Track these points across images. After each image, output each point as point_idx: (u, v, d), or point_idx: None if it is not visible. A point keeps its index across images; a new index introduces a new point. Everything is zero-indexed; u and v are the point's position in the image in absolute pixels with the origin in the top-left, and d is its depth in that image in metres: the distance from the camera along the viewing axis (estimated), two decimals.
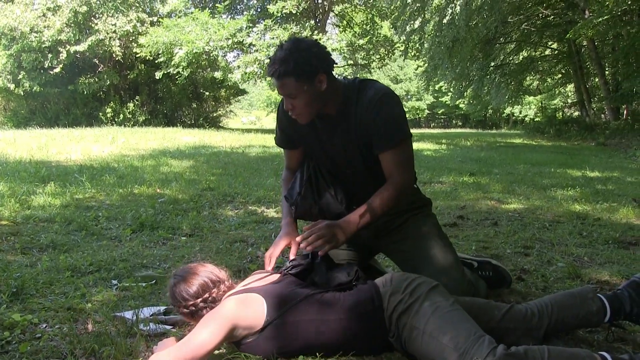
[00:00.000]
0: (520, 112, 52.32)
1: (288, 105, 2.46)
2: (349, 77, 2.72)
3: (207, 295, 2.25)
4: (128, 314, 2.55)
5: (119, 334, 2.37)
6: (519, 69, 31.54)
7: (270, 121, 64.26)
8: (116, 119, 27.34)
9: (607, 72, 26.23)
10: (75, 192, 6.02)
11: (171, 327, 2.50)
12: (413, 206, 2.77)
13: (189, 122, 30.24)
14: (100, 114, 27.52)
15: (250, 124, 62.25)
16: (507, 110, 52.51)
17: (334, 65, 2.48)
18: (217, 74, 23.55)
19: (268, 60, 2.44)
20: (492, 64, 30.62)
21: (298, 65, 2.32)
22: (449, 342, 1.95)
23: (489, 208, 5.81)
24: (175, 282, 2.29)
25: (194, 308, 2.24)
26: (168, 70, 22.75)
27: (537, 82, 37.88)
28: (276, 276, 2.32)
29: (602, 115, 28.04)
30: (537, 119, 44.30)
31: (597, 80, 27.63)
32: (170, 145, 13.93)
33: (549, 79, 36.62)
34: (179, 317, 2.51)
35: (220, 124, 32.63)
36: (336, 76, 2.53)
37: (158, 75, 23.44)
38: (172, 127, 25.32)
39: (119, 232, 4.41)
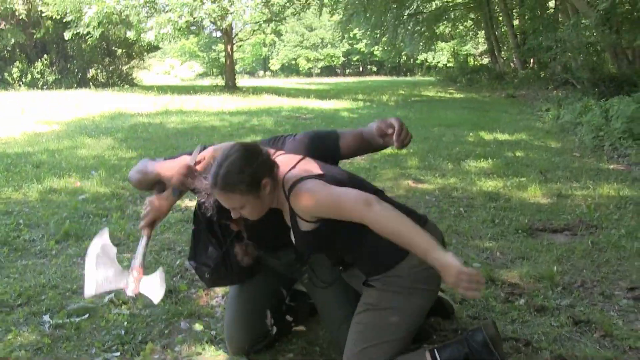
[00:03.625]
0: (433, 58, 53.36)
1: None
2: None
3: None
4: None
5: None
6: (432, 17, 32.04)
7: (184, 71, 62.63)
8: (24, 80, 26.05)
9: (515, 24, 27.03)
10: None
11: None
12: None
13: (101, 80, 29.11)
14: (6, 74, 26.14)
15: (165, 73, 60.56)
16: (421, 57, 53.46)
17: None
18: (130, 34, 22.69)
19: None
20: (406, 12, 30.94)
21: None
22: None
23: (407, 190, 6.04)
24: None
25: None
26: (77, 31, 21.66)
27: (449, 29, 38.57)
28: None
29: (511, 64, 29.02)
30: (449, 65, 45.41)
31: (505, 29, 28.50)
32: (85, 115, 13.52)
33: (460, 26, 37.40)
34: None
35: (134, 81, 31.59)
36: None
37: (67, 35, 22.29)
38: (84, 87, 24.37)
39: (43, 244, 4.34)
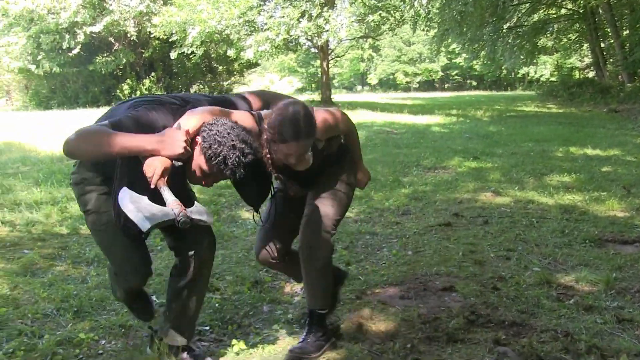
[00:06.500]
0: (535, 72, 52.16)
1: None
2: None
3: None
4: None
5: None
6: (533, 30, 31.37)
7: (284, 86, 64.53)
8: (133, 96, 27.91)
9: (623, 34, 26.03)
10: None
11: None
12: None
13: None
14: (118, 91, 28.32)
15: (265, 88, 62.52)
16: (522, 71, 52.36)
17: None
18: (231, 52, 23.95)
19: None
20: (506, 26, 30.56)
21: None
22: None
23: (484, 203, 6.28)
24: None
25: None
26: (182, 50, 23.21)
27: (552, 42, 37.59)
28: None
29: (619, 77, 27.94)
30: (552, 79, 44.20)
31: (612, 42, 27.48)
32: None
33: (564, 39, 36.35)
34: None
35: None
36: None
37: (173, 55, 23.97)
38: None
39: (150, 241, 4.98)
